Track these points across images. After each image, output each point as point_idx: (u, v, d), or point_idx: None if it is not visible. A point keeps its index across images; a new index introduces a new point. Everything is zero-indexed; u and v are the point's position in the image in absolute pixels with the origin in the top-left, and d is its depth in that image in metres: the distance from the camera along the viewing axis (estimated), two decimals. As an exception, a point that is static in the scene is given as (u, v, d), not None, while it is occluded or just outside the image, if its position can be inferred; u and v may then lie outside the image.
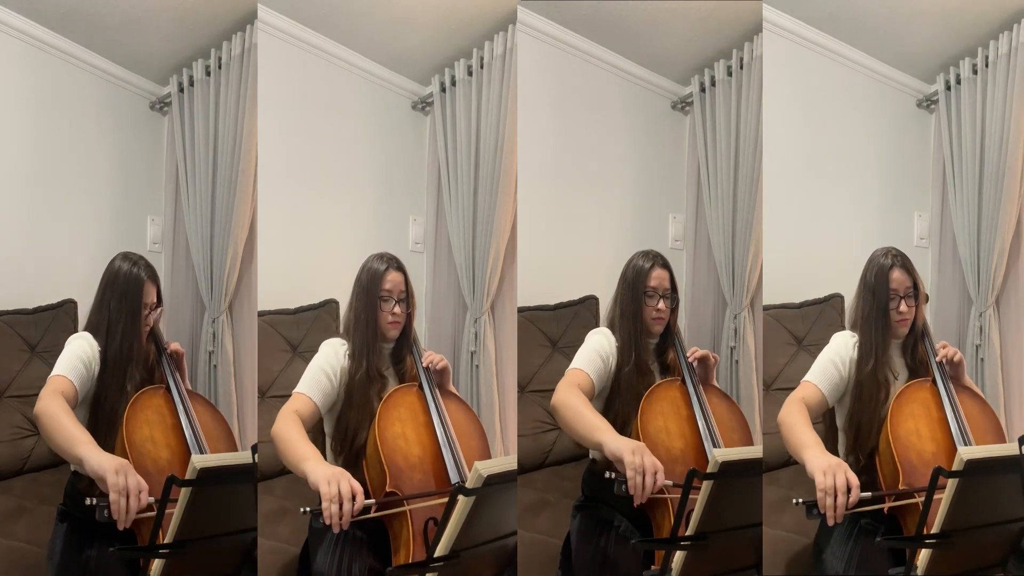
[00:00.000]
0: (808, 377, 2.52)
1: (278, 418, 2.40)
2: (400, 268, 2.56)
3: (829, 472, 2.24)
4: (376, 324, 2.52)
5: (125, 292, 2.46)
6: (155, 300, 2.50)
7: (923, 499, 2.14)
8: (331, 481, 2.16)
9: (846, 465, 2.26)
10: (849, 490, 2.23)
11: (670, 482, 2.31)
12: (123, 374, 2.43)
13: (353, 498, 2.16)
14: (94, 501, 2.15)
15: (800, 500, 2.25)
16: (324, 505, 2.14)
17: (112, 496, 2.13)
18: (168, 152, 3.03)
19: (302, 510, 2.15)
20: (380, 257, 2.57)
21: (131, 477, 2.15)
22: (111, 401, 2.40)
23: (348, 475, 2.20)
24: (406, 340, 2.57)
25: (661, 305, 2.58)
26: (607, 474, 2.32)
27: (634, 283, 2.60)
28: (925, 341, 2.56)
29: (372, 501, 2.24)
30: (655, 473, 2.25)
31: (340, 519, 2.15)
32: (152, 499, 2.18)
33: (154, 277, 2.51)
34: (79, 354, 2.41)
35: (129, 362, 2.44)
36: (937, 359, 2.52)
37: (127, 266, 2.49)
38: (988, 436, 2.48)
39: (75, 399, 2.36)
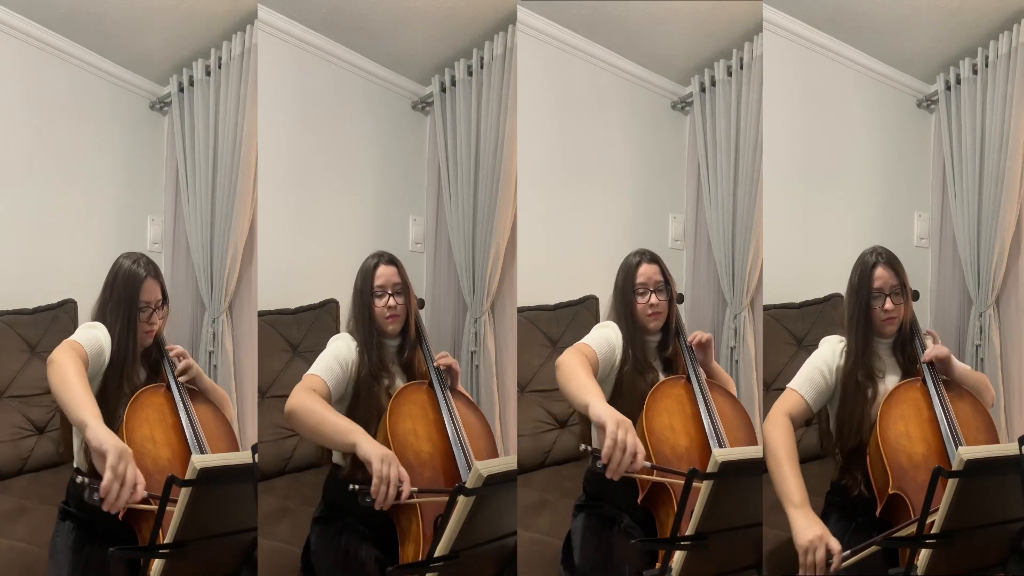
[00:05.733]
0: (793, 384, 2.49)
1: (295, 394, 2.37)
2: (392, 261, 2.56)
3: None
4: (374, 321, 2.52)
5: (123, 291, 2.40)
6: (159, 298, 2.43)
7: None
8: (384, 459, 2.23)
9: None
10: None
11: (647, 462, 2.29)
12: (119, 374, 2.37)
13: (399, 484, 2.23)
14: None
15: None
16: (375, 482, 2.21)
17: None
18: (168, 152, 3.03)
19: (350, 487, 2.21)
20: (373, 255, 2.58)
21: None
22: (112, 400, 2.37)
23: (396, 459, 2.26)
24: (409, 335, 2.56)
25: (654, 300, 2.56)
26: (582, 447, 2.26)
27: (623, 282, 2.59)
28: (915, 340, 2.55)
29: (415, 488, 2.28)
30: (635, 454, 2.20)
31: (384, 500, 2.22)
32: (147, 494, 2.17)
33: (157, 275, 2.44)
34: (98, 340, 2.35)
35: (125, 362, 2.38)
36: (924, 359, 2.51)
37: (127, 264, 2.43)
38: (979, 435, 2.46)
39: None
